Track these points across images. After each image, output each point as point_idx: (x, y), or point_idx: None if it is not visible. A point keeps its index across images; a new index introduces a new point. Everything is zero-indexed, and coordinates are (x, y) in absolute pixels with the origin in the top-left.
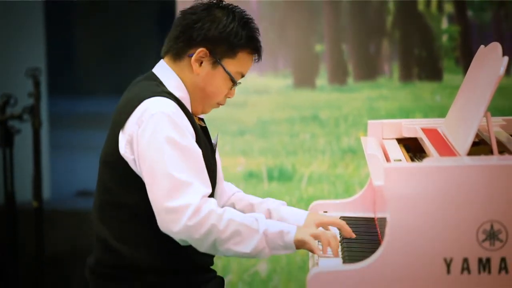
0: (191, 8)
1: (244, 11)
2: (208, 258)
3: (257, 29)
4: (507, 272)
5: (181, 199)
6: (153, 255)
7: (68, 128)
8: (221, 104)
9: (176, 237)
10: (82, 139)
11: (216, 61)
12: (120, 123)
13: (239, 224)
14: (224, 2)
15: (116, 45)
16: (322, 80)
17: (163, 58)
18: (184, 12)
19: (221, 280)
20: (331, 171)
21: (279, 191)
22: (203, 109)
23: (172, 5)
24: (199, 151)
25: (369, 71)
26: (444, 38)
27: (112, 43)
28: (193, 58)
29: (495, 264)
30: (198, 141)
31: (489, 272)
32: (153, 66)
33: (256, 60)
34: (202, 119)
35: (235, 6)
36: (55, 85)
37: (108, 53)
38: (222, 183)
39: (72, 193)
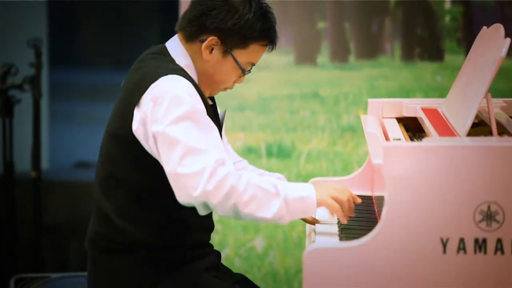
0: None
1: (263, 1)
2: (205, 235)
3: (274, 20)
4: (503, 253)
5: (195, 165)
6: (153, 233)
7: (68, 99)
8: (229, 88)
9: (197, 203)
10: (82, 111)
11: (226, 50)
12: (134, 99)
13: (258, 187)
14: None
15: (117, 18)
16: (323, 57)
17: (177, 33)
18: None
19: (218, 254)
20: (330, 149)
21: (277, 167)
22: (211, 92)
23: None
24: (212, 124)
25: (370, 50)
26: (447, 18)
27: (113, 16)
28: (204, 45)
29: (491, 245)
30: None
31: (485, 252)
32: (153, 40)
33: (270, 50)
34: (211, 97)
35: None
36: (56, 56)
37: (109, 26)
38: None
39: (71, 164)
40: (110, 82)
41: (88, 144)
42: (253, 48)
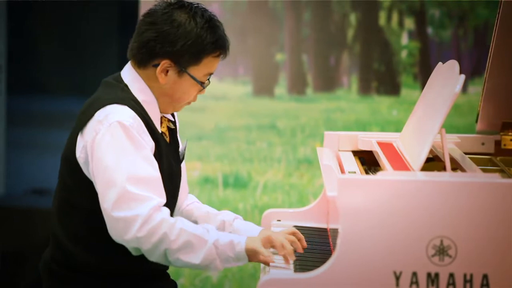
0: (151, 12)
1: (206, 10)
2: (161, 264)
3: (221, 28)
4: (454, 287)
5: (130, 210)
6: (104, 258)
7: (25, 126)
8: (193, 101)
9: (128, 246)
10: (39, 138)
11: (181, 70)
12: (81, 125)
13: (191, 234)
14: (181, 1)
15: (76, 45)
16: (281, 89)
17: (129, 60)
18: (144, 18)
19: (174, 284)
20: (286, 180)
21: (233, 198)
22: (174, 109)
23: (135, 4)
24: (154, 163)
25: (328, 82)
26: (404, 53)
27: (72, 43)
28: (158, 69)
29: (443, 280)
30: (159, 150)
31: (437, 286)
32: (112, 67)
33: (223, 58)
34: (173, 121)
35: (196, 5)
36: (14, 82)
37: (68, 53)
38: (186, 190)
39: (27, 191)
40: (69, 109)
41: (44, 171)
42: (207, 61)
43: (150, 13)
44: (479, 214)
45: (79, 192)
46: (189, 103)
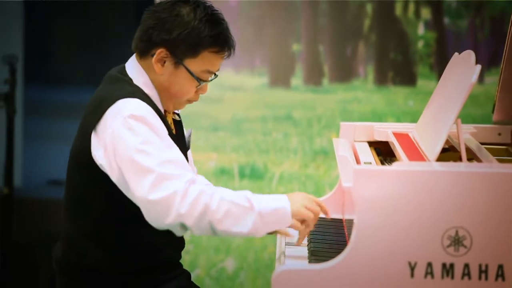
0: (158, 4)
1: (210, 6)
2: (175, 255)
3: (223, 25)
4: (470, 278)
5: (166, 189)
6: (117, 254)
7: (42, 117)
8: (194, 100)
9: (172, 227)
10: (56, 128)
11: (177, 61)
12: (92, 123)
13: (232, 203)
14: None
15: (93, 35)
16: (297, 80)
17: (133, 53)
18: (149, 9)
19: (188, 275)
20: (302, 171)
21: (250, 189)
22: (174, 106)
23: None
24: (176, 147)
25: (344, 73)
26: (420, 44)
27: (89, 33)
28: (154, 58)
29: (458, 270)
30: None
31: (452, 277)
32: (127, 58)
33: (227, 57)
34: (177, 113)
35: (201, 1)
36: (31, 73)
37: (84, 43)
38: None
39: (44, 182)
40: (85, 100)
41: (61, 162)
42: (205, 55)
43: (156, 4)
44: (495, 204)
45: (90, 189)
46: (190, 101)
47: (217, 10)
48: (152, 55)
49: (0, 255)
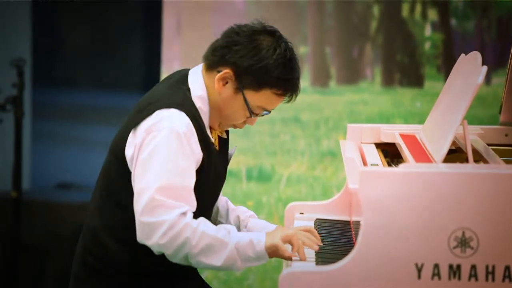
0: (244, 25)
1: (291, 49)
2: None
3: (296, 73)
4: (476, 279)
5: (158, 216)
6: (138, 249)
7: (51, 120)
8: (239, 128)
9: (151, 247)
10: (64, 131)
11: (239, 87)
12: (135, 121)
13: (212, 237)
14: (277, 32)
15: (101, 39)
16: (304, 82)
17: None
18: (234, 27)
19: (200, 277)
20: (309, 173)
21: (257, 191)
22: (220, 126)
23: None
24: (193, 175)
25: (351, 75)
26: (427, 45)
27: (98, 37)
28: (218, 75)
29: (465, 271)
30: (209, 158)
31: (459, 278)
32: (138, 61)
33: (286, 102)
34: (226, 131)
35: (283, 38)
36: (39, 76)
37: (93, 47)
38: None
39: (52, 185)
40: (93, 103)
41: (70, 165)
42: (266, 93)
43: (243, 25)
44: (502, 205)
45: (122, 186)
46: (235, 126)
47: (295, 55)
48: (218, 72)
49: (9, 258)
